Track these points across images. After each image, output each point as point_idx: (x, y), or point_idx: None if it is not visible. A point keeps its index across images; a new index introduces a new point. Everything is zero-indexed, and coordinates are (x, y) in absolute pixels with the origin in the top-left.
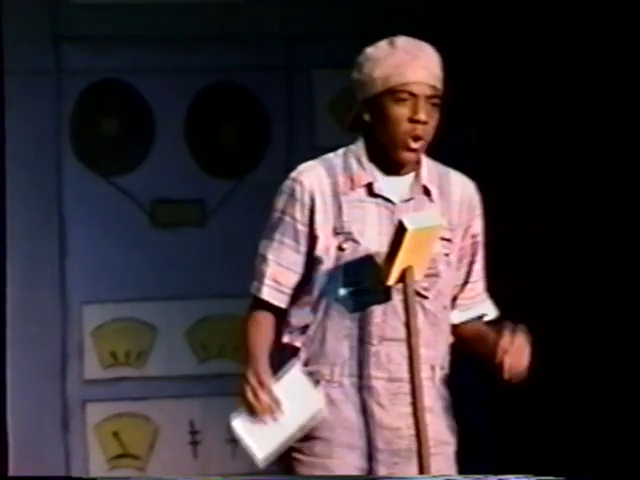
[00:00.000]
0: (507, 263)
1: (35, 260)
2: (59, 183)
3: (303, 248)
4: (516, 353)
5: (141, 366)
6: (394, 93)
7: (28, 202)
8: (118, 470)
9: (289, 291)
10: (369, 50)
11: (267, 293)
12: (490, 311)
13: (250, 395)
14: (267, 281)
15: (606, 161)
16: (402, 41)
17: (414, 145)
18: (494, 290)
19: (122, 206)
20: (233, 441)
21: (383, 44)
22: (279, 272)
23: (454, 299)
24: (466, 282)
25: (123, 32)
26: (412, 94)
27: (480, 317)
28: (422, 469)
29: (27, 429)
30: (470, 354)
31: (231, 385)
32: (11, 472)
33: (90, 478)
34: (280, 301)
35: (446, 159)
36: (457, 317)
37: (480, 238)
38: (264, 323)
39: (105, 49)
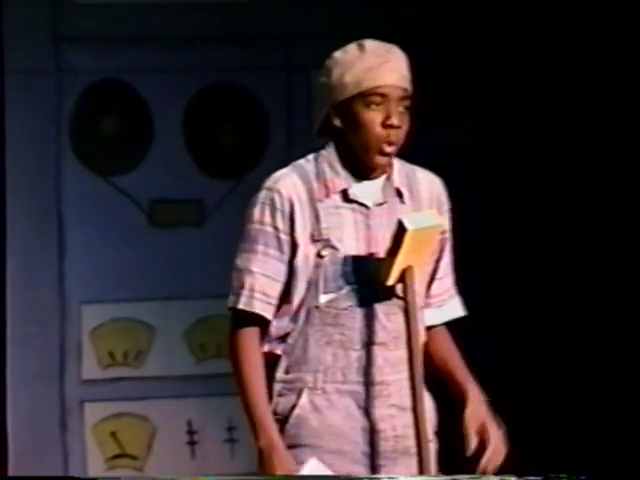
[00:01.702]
0: (504, 261)
1: (34, 260)
2: (58, 182)
3: (286, 257)
4: (493, 454)
5: (139, 366)
6: (365, 97)
7: (27, 201)
8: (116, 470)
9: (275, 302)
10: (337, 54)
11: (259, 307)
12: (457, 310)
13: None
14: (257, 295)
15: (606, 160)
16: (371, 44)
17: (388, 149)
18: (490, 286)
19: (121, 206)
20: (231, 441)
21: (352, 48)
22: (267, 284)
23: (424, 297)
24: (433, 278)
25: (123, 32)
26: (384, 97)
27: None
28: (422, 469)
29: (25, 429)
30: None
31: (229, 385)
32: (10, 472)
33: (88, 478)
34: (269, 313)
35: (446, 159)
36: (431, 317)
37: (448, 234)
38: (255, 353)
39: (105, 49)
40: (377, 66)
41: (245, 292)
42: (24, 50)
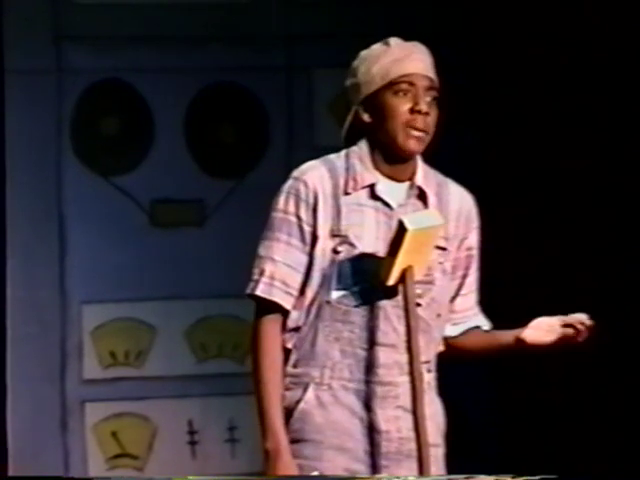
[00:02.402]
0: (508, 265)
1: (35, 260)
2: (59, 183)
3: (308, 248)
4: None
5: (140, 366)
6: (393, 86)
7: (28, 202)
8: (117, 470)
9: (296, 293)
10: (364, 52)
11: (278, 295)
12: (484, 323)
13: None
14: (277, 283)
15: (608, 161)
16: (396, 40)
17: (416, 133)
18: (493, 291)
19: (122, 206)
20: (232, 441)
21: (377, 45)
22: (288, 273)
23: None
24: (457, 294)
25: (124, 32)
26: (411, 85)
27: (476, 327)
28: (422, 471)
29: (26, 429)
30: (475, 359)
31: (230, 385)
32: (10, 472)
33: (89, 478)
34: (289, 303)
35: (447, 160)
36: (450, 331)
37: (475, 252)
38: (275, 346)
39: (106, 49)
40: (403, 57)
41: (265, 279)
42: (24, 50)
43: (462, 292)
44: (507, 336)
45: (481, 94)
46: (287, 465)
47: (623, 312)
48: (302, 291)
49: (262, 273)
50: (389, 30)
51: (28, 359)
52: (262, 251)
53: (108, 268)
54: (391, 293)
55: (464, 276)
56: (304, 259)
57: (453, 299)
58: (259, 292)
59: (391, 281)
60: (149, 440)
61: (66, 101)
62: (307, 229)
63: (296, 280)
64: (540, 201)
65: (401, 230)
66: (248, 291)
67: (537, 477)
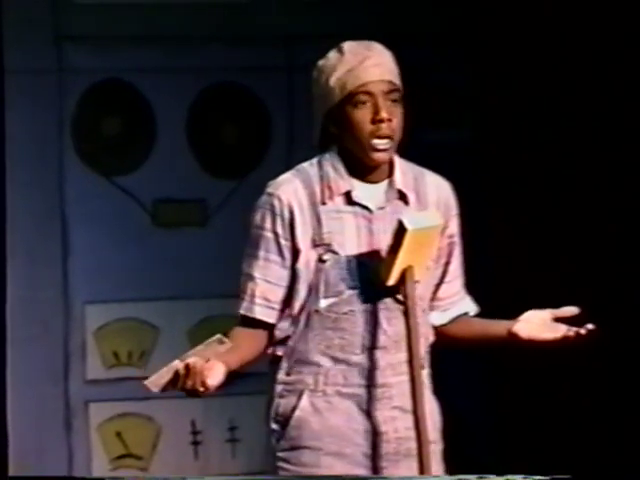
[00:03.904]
0: (504, 260)
1: (37, 260)
2: (61, 183)
3: (288, 262)
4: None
5: (143, 366)
6: (352, 97)
7: (30, 202)
8: (121, 470)
9: (278, 306)
10: (320, 62)
11: (259, 312)
12: (470, 308)
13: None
14: (257, 300)
15: (607, 160)
16: (349, 45)
17: (381, 144)
18: (490, 287)
19: (124, 206)
20: (232, 441)
21: (331, 53)
22: (268, 289)
23: (431, 300)
24: (442, 282)
25: (125, 32)
26: (369, 94)
27: (464, 314)
28: (422, 470)
29: (29, 429)
30: (465, 348)
31: (232, 386)
32: (13, 472)
33: (93, 478)
34: (271, 318)
35: (444, 159)
36: (438, 318)
37: (457, 239)
38: (240, 339)
39: (107, 49)
40: (357, 65)
41: (246, 297)
42: (25, 50)
43: (446, 279)
44: (499, 327)
45: (479, 93)
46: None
47: (623, 311)
48: (289, 302)
49: (244, 291)
50: (389, 30)
51: (31, 360)
52: (245, 268)
53: (111, 268)
54: (391, 293)
55: (447, 263)
56: (285, 273)
57: (438, 287)
58: (242, 311)
59: (391, 281)
60: (153, 440)
61: (67, 101)
62: (284, 243)
63: (278, 294)
64: (540, 201)
65: (401, 230)
66: (242, 312)
67: (548, 477)
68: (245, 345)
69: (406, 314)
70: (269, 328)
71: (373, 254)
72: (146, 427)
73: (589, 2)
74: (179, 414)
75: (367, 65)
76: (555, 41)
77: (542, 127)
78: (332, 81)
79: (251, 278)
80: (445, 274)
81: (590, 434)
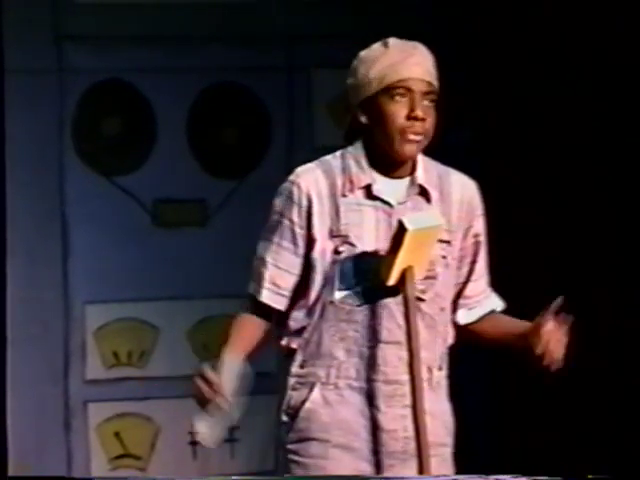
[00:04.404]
0: (508, 261)
1: (37, 260)
2: (61, 183)
3: (301, 250)
4: (557, 341)
5: (143, 366)
6: (390, 90)
7: (30, 202)
8: (120, 470)
9: (288, 293)
10: (363, 53)
11: (266, 296)
12: (497, 305)
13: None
14: (266, 284)
15: (608, 159)
16: (395, 41)
17: (413, 137)
18: (491, 286)
19: (124, 206)
20: (231, 441)
21: (376, 46)
22: (278, 275)
23: (457, 298)
24: (468, 280)
25: (125, 32)
26: (408, 90)
27: (490, 312)
28: (422, 470)
29: (29, 429)
30: (492, 347)
31: None
32: (12, 472)
33: (91, 478)
34: (279, 304)
35: (446, 159)
36: (465, 317)
37: (482, 238)
38: (250, 326)
39: (107, 49)
40: (401, 60)
41: (256, 279)
42: (25, 50)
43: (473, 278)
44: (523, 328)
45: (480, 94)
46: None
47: (624, 311)
48: (306, 293)
49: (255, 274)
50: (389, 30)
51: (31, 360)
52: (259, 249)
53: (111, 268)
54: (392, 293)
55: (473, 262)
56: (297, 261)
57: (464, 285)
58: (250, 290)
59: (391, 281)
60: (152, 440)
61: (67, 101)
62: (299, 232)
63: (287, 281)
64: (541, 201)
65: (401, 230)
66: (251, 292)
67: (545, 477)
68: (249, 334)
69: (406, 314)
70: (274, 314)
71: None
72: (145, 427)
73: (589, 2)
74: (178, 414)
75: (410, 62)
76: (555, 41)
77: (542, 127)
78: (373, 72)
79: (263, 261)
80: (471, 273)
81: (590, 434)
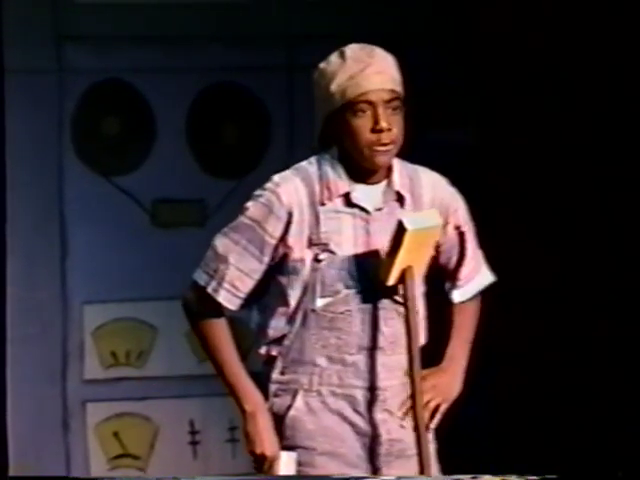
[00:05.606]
0: (505, 261)
1: (36, 260)
2: (60, 183)
3: (266, 259)
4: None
5: (141, 366)
6: (352, 105)
7: (29, 202)
8: (118, 470)
9: (244, 296)
10: (322, 65)
11: (223, 297)
12: (486, 278)
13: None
14: (225, 284)
15: (608, 160)
16: (352, 50)
17: (382, 149)
18: (493, 286)
19: (123, 206)
20: (233, 441)
21: (333, 57)
22: (238, 277)
23: (452, 280)
24: (460, 265)
25: (125, 32)
26: (370, 103)
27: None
28: (422, 470)
29: (27, 429)
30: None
31: None
32: (11, 472)
33: (90, 478)
34: (233, 304)
35: (446, 159)
36: (460, 296)
37: (466, 227)
38: (221, 328)
39: (107, 49)
40: (358, 72)
41: (214, 276)
42: (25, 50)
43: (464, 263)
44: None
45: (480, 93)
46: (266, 422)
47: (623, 311)
48: (285, 301)
49: (216, 271)
50: (389, 30)
51: (29, 359)
52: (219, 247)
53: (109, 268)
54: (388, 293)
55: (462, 249)
56: (259, 268)
57: (457, 270)
58: (208, 288)
59: (391, 281)
60: (150, 440)
61: (67, 101)
62: (270, 242)
63: (246, 285)
64: (542, 201)
65: (400, 230)
66: (200, 282)
67: (539, 477)
68: (231, 344)
69: (406, 314)
70: (225, 311)
71: (370, 254)
72: (143, 427)
73: (589, 2)
74: (177, 414)
75: (368, 73)
76: (556, 41)
77: (543, 127)
78: (333, 87)
79: (224, 260)
80: (462, 258)
81: (589, 434)
